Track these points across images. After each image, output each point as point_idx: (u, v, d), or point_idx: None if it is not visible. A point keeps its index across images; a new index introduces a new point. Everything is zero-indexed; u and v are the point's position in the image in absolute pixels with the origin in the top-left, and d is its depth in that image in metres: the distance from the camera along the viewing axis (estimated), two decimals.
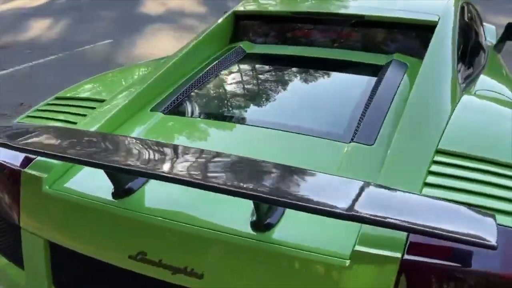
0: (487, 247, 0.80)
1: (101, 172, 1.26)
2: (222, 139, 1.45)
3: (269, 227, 1.05)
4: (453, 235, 0.81)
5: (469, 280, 0.94)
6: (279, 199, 0.88)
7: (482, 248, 0.81)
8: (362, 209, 0.86)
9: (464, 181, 1.13)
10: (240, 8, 2.35)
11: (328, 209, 0.85)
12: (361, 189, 0.92)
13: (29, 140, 1.13)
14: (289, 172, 1.00)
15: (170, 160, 1.05)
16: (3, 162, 1.37)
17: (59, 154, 1.05)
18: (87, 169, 1.31)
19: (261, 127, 1.45)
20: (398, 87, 1.64)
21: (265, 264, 1.02)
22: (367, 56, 1.99)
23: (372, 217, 0.84)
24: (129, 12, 8.89)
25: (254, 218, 1.06)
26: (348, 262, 0.97)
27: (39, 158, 1.32)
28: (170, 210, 1.13)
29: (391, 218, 0.84)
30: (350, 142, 1.34)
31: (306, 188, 0.97)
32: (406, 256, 0.95)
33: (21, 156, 1.36)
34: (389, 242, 0.97)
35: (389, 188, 0.96)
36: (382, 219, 0.83)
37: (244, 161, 1.04)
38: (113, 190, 1.19)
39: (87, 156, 1.03)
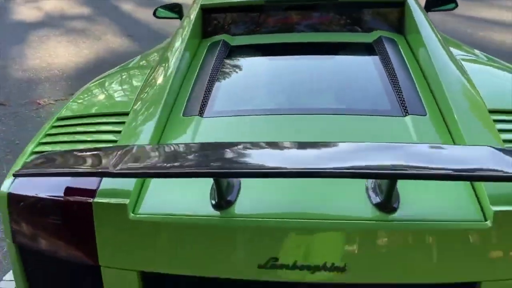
0: None
1: (185, 188, 1.18)
2: (282, 131, 1.40)
3: (393, 206, 1.07)
4: None
5: None
6: (419, 172, 0.90)
7: None
8: (491, 169, 0.91)
9: None
10: (206, 1, 2.28)
11: (469, 174, 0.89)
12: (472, 152, 0.98)
13: (124, 165, 1.00)
14: (392, 147, 1.01)
15: (271, 156, 1.01)
16: (52, 198, 1.18)
17: (168, 171, 0.95)
18: (165, 188, 1.19)
19: (309, 114, 1.44)
20: (405, 60, 1.75)
21: (403, 243, 1.05)
22: (352, 36, 2.07)
23: (506, 175, 0.89)
24: (1, 23, 7.96)
25: (377, 199, 1.07)
26: (489, 223, 1.03)
27: (104, 184, 1.17)
28: (284, 209, 1.09)
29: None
30: (406, 115, 1.41)
31: (424, 159, 0.99)
32: None
33: (62, 187, 1.19)
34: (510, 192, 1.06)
35: (494, 147, 1.04)
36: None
37: (344, 145, 1.03)
38: (214, 202, 1.10)
39: (194, 167, 0.95)
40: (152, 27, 7.29)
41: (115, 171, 0.98)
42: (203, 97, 1.57)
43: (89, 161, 1.06)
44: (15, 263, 1.27)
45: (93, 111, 1.56)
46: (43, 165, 1.06)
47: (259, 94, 1.61)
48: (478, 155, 0.96)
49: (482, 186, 1.09)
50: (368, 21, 2.18)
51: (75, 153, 1.13)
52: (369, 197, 1.10)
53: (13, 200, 1.23)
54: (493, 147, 0.99)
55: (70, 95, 4.60)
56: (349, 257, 1.05)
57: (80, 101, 1.69)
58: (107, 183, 1.18)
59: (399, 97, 1.50)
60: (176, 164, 0.98)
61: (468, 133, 1.27)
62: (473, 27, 6.36)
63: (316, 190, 1.14)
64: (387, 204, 1.07)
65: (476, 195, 1.10)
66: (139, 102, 1.54)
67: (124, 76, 1.91)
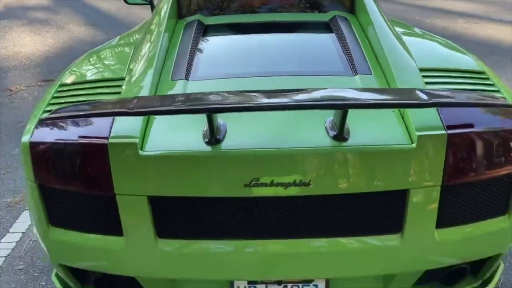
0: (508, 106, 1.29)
1: (181, 128, 1.47)
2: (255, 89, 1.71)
3: (344, 136, 1.40)
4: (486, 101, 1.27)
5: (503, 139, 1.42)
6: (364, 103, 1.23)
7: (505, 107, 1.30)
8: (434, 98, 1.25)
9: (449, 85, 1.64)
10: None
11: (413, 102, 1.23)
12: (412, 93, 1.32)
13: (137, 106, 1.28)
14: (344, 89, 1.35)
15: (249, 98, 1.31)
16: (69, 141, 1.44)
17: (171, 109, 1.24)
18: (165, 129, 1.47)
19: (276, 75, 1.75)
20: (355, 34, 2.09)
21: (352, 163, 1.38)
22: (311, 16, 2.40)
23: (448, 101, 1.24)
24: None
25: (333, 132, 1.40)
26: (414, 145, 1.38)
27: (114, 129, 1.44)
28: (262, 141, 1.40)
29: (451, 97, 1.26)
30: (355, 75, 1.75)
31: (367, 95, 1.32)
32: (449, 131, 1.40)
33: (77, 133, 1.46)
34: (433, 123, 1.41)
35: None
36: (450, 101, 1.25)
37: (309, 90, 1.35)
38: (207, 139, 1.40)
39: (192, 105, 1.24)
40: (114, 16, 7.42)
41: (131, 111, 1.26)
42: (187, 66, 1.85)
43: (106, 107, 1.33)
44: (37, 200, 1.52)
45: (91, 78, 1.82)
46: (65, 112, 1.33)
47: (233, 62, 1.91)
48: (405, 92, 1.31)
49: (409, 117, 1.44)
50: (324, 4, 2.52)
51: (91, 103, 1.40)
52: (326, 130, 1.43)
53: (35, 147, 1.48)
54: (416, 88, 1.34)
55: (42, 81, 4.74)
56: (312, 175, 1.37)
57: (78, 70, 1.94)
58: (117, 127, 1.45)
59: (349, 62, 1.84)
60: (177, 104, 1.27)
61: (403, 85, 1.62)
62: (421, 15, 6.87)
63: (287, 126, 1.46)
64: (340, 134, 1.39)
65: (405, 125, 1.45)
66: (132, 70, 1.81)
67: (111, 51, 2.17)
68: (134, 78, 1.75)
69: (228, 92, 1.35)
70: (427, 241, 1.45)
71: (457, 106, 1.26)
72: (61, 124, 1.53)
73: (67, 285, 1.78)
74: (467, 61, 1.89)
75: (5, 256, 2.33)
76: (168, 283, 1.56)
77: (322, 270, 1.48)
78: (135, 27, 3.25)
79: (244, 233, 1.45)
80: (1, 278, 2.20)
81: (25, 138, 1.51)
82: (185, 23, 2.32)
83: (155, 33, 2.08)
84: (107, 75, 1.84)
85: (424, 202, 1.42)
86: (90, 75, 1.87)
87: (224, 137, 1.42)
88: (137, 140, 1.40)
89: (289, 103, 1.23)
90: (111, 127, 1.46)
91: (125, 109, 1.26)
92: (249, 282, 1.52)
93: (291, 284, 1.52)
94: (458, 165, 1.41)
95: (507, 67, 4.76)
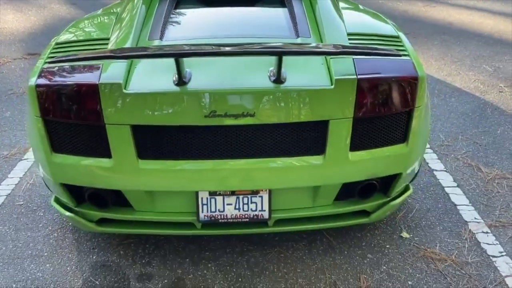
0: (397, 55, 1.76)
1: (154, 72, 1.89)
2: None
3: (281, 79, 1.84)
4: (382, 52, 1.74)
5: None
6: (297, 50, 1.69)
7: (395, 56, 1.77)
8: (343, 48, 1.71)
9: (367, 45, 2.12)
10: None
11: (326, 50, 1.69)
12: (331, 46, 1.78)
13: (120, 52, 1.70)
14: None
15: (213, 47, 1.74)
16: (67, 83, 1.86)
17: (150, 53, 1.67)
18: (142, 73, 1.90)
19: (232, 38, 2.19)
20: (302, 5, 2.53)
21: (286, 100, 1.83)
22: None
23: (357, 50, 1.71)
24: None
25: (273, 77, 1.85)
26: (332, 87, 1.84)
27: (103, 73, 1.86)
28: (218, 81, 1.84)
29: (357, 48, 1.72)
30: (297, 38, 2.19)
31: (299, 47, 1.78)
32: (359, 76, 1.86)
33: (74, 77, 1.88)
34: (348, 71, 1.87)
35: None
36: (352, 50, 1.71)
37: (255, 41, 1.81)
38: (177, 79, 1.83)
39: (163, 51, 1.68)
40: None
41: (116, 55, 1.68)
42: (161, 29, 2.27)
43: (97, 54, 1.75)
44: (41, 131, 1.93)
45: (82, 38, 2.22)
46: (65, 58, 1.74)
47: (199, 28, 2.34)
48: (324, 46, 1.76)
49: (331, 65, 1.90)
50: None
51: (85, 52, 1.81)
52: (269, 76, 1.88)
53: (40, 88, 1.89)
54: (332, 44, 1.80)
55: (27, 55, 5.06)
56: (256, 109, 1.82)
57: (70, 32, 2.34)
58: (105, 73, 1.87)
59: (294, 27, 2.29)
60: (150, 51, 1.70)
61: (328, 41, 2.08)
62: None
63: (238, 72, 1.90)
64: (278, 78, 1.84)
65: (328, 72, 1.91)
66: (116, 32, 2.22)
67: (97, 18, 2.57)
68: (118, 38, 2.16)
69: (192, 44, 1.79)
70: (343, 161, 1.93)
71: (356, 54, 1.72)
72: (59, 71, 1.94)
73: (64, 206, 2.21)
74: (388, 28, 2.36)
75: (5, 195, 2.73)
76: (147, 195, 2.00)
77: (264, 182, 1.94)
78: (115, 1, 3.63)
79: (205, 154, 1.90)
80: (4, 211, 2.60)
81: (31, 82, 1.91)
82: None
83: (133, 4, 2.49)
84: (95, 35, 2.24)
85: (340, 130, 1.89)
86: (80, 36, 2.27)
87: (189, 80, 1.86)
88: (121, 81, 1.82)
89: (237, 50, 1.67)
90: (100, 73, 1.88)
91: (112, 53, 1.68)
92: (210, 194, 1.98)
93: (242, 196, 1.98)
94: (365, 102, 1.87)
95: (453, 45, 5.29)
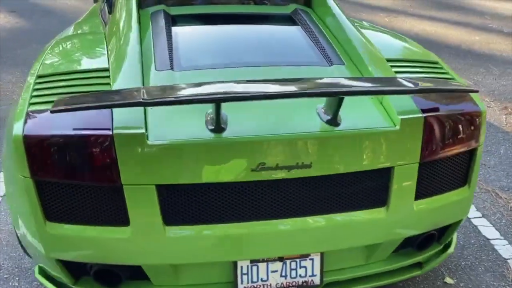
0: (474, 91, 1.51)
1: (182, 117, 1.52)
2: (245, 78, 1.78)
3: (337, 121, 1.53)
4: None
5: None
6: (359, 90, 1.38)
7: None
8: (419, 85, 1.43)
9: (414, 74, 1.85)
10: None
11: (402, 88, 1.39)
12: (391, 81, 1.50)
13: (150, 97, 1.31)
14: (335, 79, 1.50)
15: (254, 87, 1.40)
16: (68, 133, 1.43)
17: (190, 99, 1.29)
18: (166, 118, 1.51)
19: (258, 66, 1.84)
20: (319, 26, 2.24)
21: (346, 146, 1.52)
22: (273, 8, 2.51)
23: (432, 88, 1.43)
24: None
25: (326, 117, 1.53)
26: (398, 127, 1.55)
27: (115, 119, 1.45)
28: (265, 128, 1.49)
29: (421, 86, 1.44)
30: (331, 65, 1.89)
31: (368, 82, 1.48)
32: (425, 114, 1.58)
33: (75, 124, 1.45)
34: (410, 107, 1.59)
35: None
36: (434, 87, 1.43)
37: (303, 79, 1.48)
38: (212, 126, 1.46)
39: (208, 95, 1.31)
40: (32, 2, 6.99)
41: (148, 101, 1.29)
42: (169, 56, 1.88)
43: (117, 97, 1.34)
44: (31, 196, 1.47)
45: (72, 69, 1.78)
46: (77, 102, 1.32)
47: (213, 53, 1.96)
48: (391, 81, 1.47)
49: (388, 102, 1.61)
50: None
51: (94, 94, 1.40)
52: (319, 116, 1.55)
53: (29, 140, 1.44)
54: (395, 77, 1.52)
55: None
56: (313, 158, 1.49)
57: (52, 60, 1.88)
58: (118, 118, 1.46)
59: (322, 53, 1.98)
60: (192, 93, 1.32)
61: (378, 74, 1.79)
62: (347, 9, 7.26)
63: (282, 113, 1.56)
64: (334, 120, 1.53)
65: (385, 110, 1.62)
66: (114, 61, 1.80)
67: (78, 41, 2.12)
68: (119, 69, 1.75)
69: (237, 81, 1.43)
70: (408, 212, 1.64)
71: (439, 92, 1.45)
72: (53, 116, 1.50)
73: (55, 281, 1.75)
74: (423, 52, 2.12)
75: None
76: (171, 268, 1.60)
77: (318, 244, 1.61)
78: (84, 15, 3.15)
79: (248, 215, 1.53)
80: None
81: (17, 131, 1.46)
82: (149, 13, 2.32)
83: (125, 23, 2.07)
84: (87, 65, 1.81)
85: (405, 177, 1.60)
86: (68, 66, 1.82)
87: (226, 125, 1.49)
88: (144, 130, 1.43)
89: (298, 92, 1.34)
90: (112, 118, 1.47)
91: (140, 99, 1.28)
92: (252, 261, 1.62)
93: (289, 260, 1.64)
94: (431, 144, 1.60)
95: None
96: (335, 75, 1.84)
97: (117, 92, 1.40)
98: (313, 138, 1.49)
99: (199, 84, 1.41)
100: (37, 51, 5.08)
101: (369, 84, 1.42)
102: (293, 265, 1.66)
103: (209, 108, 1.54)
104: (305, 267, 1.66)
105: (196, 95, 1.31)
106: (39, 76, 1.74)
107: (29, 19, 6.11)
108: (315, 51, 2.00)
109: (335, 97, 1.47)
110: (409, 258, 1.83)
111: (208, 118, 1.50)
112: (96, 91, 1.62)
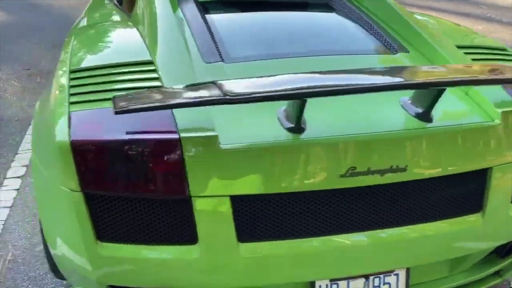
0: None
1: (255, 117, 1.30)
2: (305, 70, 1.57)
3: (430, 115, 1.34)
4: None
5: None
6: (465, 79, 1.19)
7: None
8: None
9: (491, 60, 1.66)
10: None
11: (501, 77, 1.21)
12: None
13: (233, 93, 1.09)
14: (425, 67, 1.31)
15: (337, 79, 1.20)
16: (126, 138, 1.20)
17: (276, 94, 1.09)
18: (239, 119, 1.29)
19: (319, 55, 1.63)
20: (365, 12, 2.03)
21: (443, 144, 1.32)
22: None
23: None
24: None
25: (421, 111, 1.33)
26: (498, 121, 1.36)
27: (179, 121, 1.22)
28: (352, 126, 1.28)
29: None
30: (396, 53, 1.69)
31: (457, 72, 1.28)
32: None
33: (131, 127, 1.22)
34: (506, 99, 1.40)
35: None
36: None
37: (388, 67, 1.29)
38: (293, 123, 1.24)
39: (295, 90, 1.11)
40: None
41: (233, 98, 1.07)
42: (215, 47, 1.65)
43: (191, 94, 1.12)
44: (80, 212, 1.24)
45: (109, 62, 1.53)
46: (145, 101, 1.09)
47: (262, 42, 1.74)
48: (489, 69, 1.28)
49: (479, 94, 1.42)
50: None
51: (164, 90, 1.17)
52: (407, 111, 1.35)
53: (79, 147, 1.20)
54: (498, 65, 1.33)
55: None
56: (408, 160, 1.29)
57: (83, 53, 1.63)
58: (182, 119, 1.24)
59: (383, 40, 1.78)
60: (276, 88, 1.11)
61: (455, 62, 1.60)
62: None
63: (366, 109, 1.36)
64: (427, 115, 1.33)
65: (478, 104, 1.43)
66: (158, 53, 1.56)
67: (104, 30, 1.88)
68: (165, 61, 1.52)
69: (321, 73, 1.22)
70: (504, 217, 1.46)
71: None
72: (102, 117, 1.27)
73: None
74: (485, 38, 1.95)
75: None
76: None
77: (406, 259, 1.42)
78: (90, 2, 2.88)
79: (332, 227, 1.32)
80: None
81: (61, 136, 1.22)
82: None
83: (158, 11, 1.83)
84: (126, 58, 1.56)
85: (503, 178, 1.41)
86: (103, 59, 1.57)
87: (305, 124, 1.28)
88: (217, 133, 1.20)
89: (397, 83, 1.14)
90: (174, 120, 1.24)
91: (224, 96, 1.07)
92: (331, 280, 1.41)
93: (373, 277, 1.44)
94: None
95: None
96: (406, 64, 1.65)
97: (188, 88, 1.17)
98: (409, 136, 1.29)
99: (280, 77, 1.19)
100: (26, 47, 4.74)
101: (476, 74, 1.23)
102: (376, 282, 1.45)
103: (280, 105, 1.33)
104: (389, 283, 1.46)
105: (292, 89, 1.09)
106: (73, 71, 1.49)
107: (15, 14, 5.73)
108: (372, 39, 1.80)
109: (436, 88, 1.28)
110: (492, 266, 1.65)
111: (284, 117, 1.28)
112: (155, 87, 1.39)
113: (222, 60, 1.57)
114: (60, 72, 1.52)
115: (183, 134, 1.19)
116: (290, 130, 1.25)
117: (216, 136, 1.20)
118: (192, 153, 1.20)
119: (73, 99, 1.35)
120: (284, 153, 1.23)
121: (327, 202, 1.29)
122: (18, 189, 2.49)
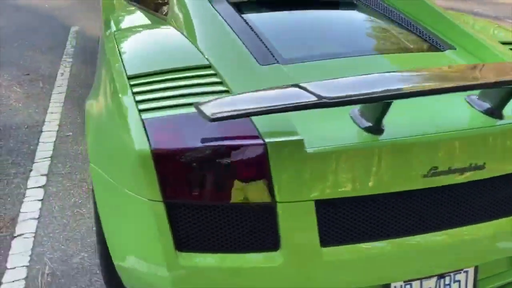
0: None
1: (334, 120, 1.29)
2: (361, 70, 1.54)
3: (502, 112, 1.35)
4: None
5: None
6: None
7: None
8: None
9: None
10: None
11: None
12: None
13: (333, 95, 1.08)
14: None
15: (418, 80, 1.21)
16: (209, 144, 1.16)
17: (374, 96, 1.09)
18: (317, 122, 1.27)
19: (369, 55, 1.63)
20: (398, 12, 2.04)
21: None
22: None
23: None
24: None
25: (491, 108, 1.33)
26: None
27: (261, 126, 1.20)
28: (430, 125, 1.27)
29: None
30: (445, 50, 1.70)
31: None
32: None
33: (211, 133, 1.20)
34: None
35: None
36: None
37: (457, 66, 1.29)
38: (373, 124, 1.23)
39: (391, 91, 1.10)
40: None
41: (331, 101, 1.05)
42: (267, 48, 1.62)
43: (280, 98, 1.10)
44: (162, 222, 1.19)
45: (168, 66, 1.49)
46: (236, 107, 1.06)
47: (311, 41, 1.72)
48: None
49: None
50: None
51: (248, 94, 1.14)
52: (477, 109, 1.36)
53: (161, 156, 1.16)
54: None
55: None
56: (485, 157, 1.30)
57: (134, 58, 1.58)
58: (261, 124, 1.21)
59: (428, 38, 1.79)
60: (371, 89, 1.10)
61: (505, 57, 1.62)
62: None
63: (435, 108, 1.36)
64: (497, 112, 1.34)
65: None
66: (215, 57, 1.53)
67: (147, 33, 1.83)
68: (224, 65, 1.49)
69: (406, 72, 1.22)
70: None
71: None
72: (178, 124, 1.23)
73: None
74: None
75: None
76: None
77: (477, 256, 1.42)
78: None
79: (412, 228, 1.32)
80: None
81: (140, 145, 1.18)
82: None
83: (200, 12, 1.79)
84: (182, 62, 1.52)
85: None
86: (159, 64, 1.52)
87: (387, 124, 1.27)
88: (302, 137, 1.18)
89: (489, 82, 1.15)
90: (254, 125, 1.21)
91: (321, 99, 1.05)
92: (405, 281, 1.41)
93: (444, 275, 1.44)
94: None
95: None
96: (456, 60, 1.65)
97: (273, 91, 1.15)
98: (485, 134, 1.30)
99: (366, 77, 1.18)
100: (20, 50, 4.60)
101: None
102: (447, 280, 1.46)
103: (353, 106, 1.32)
104: (459, 281, 1.47)
105: (390, 91, 1.09)
106: (131, 78, 1.45)
107: (1, 16, 5.58)
108: (416, 37, 1.81)
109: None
110: None
111: (362, 117, 1.27)
112: (223, 91, 1.36)
113: (277, 62, 1.54)
114: (116, 78, 1.47)
115: (268, 139, 1.17)
116: (370, 131, 1.24)
117: (301, 140, 1.18)
118: (278, 158, 1.17)
119: (142, 106, 1.31)
120: (368, 154, 1.22)
121: (408, 203, 1.29)
122: (42, 200, 2.41)
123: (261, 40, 1.67)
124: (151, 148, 1.17)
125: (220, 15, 1.82)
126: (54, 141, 2.95)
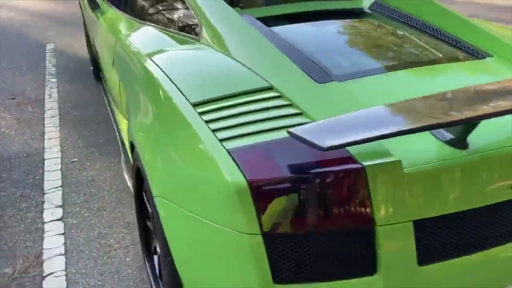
0: None
1: (420, 138, 1.28)
2: (421, 83, 1.55)
3: None
4: None
5: None
6: None
7: None
8: None
9: None
10: None
11: None
12: None
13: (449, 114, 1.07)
14: None
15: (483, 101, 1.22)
16: (309, 173, 1.13)
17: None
18: (395, 138, 1.25)
19: (414, 67, 1.64)
20: (424, 21, 2.07)
21: None
22: (348, 3, 2.31)
23: None
24: None
25: None
26: None
27: (354, 151, 1.17)
28: (498, 134, 1.29)
29: None
30: (483, 58, 1.73)
31: None
32: None
33: (301, 157, 1.16)
34: None
35: None
36: None
37: None
38: (457, 141, 1.23)
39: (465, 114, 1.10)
40: None
41: (446, 122, 1.04)
42: (317, 65, 1.60)
43: (396, 119, 1.08)
44: (259, 256, 1.14)
45: (230, 91, 1.43)
46: (347, 133, 1.03)
47: (356, 55, 1.71)
48: None
49: None
50: None
51: (342, 117, 1.12)
52: None
53: (260, 188, 1.11)
54: None
55: None
56: None
57: (188, 84, 1.51)
58: (354, 147, 1.18)
59: (463, 45, 1.82)
60: (451, 113, 1.10)
61: None
62: None
63: (505, 119, 1.37)
64: None
65: None
66: (271, 77, 1.49)
67: (190, 55, 1.76)
68: (286, 85, 1.46)
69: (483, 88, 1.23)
70: None
71: None
72: (269, 153, 1.19)
73: None
74: None
75: None
76: None
77: None
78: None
79: (502, 238, 1.32)
80: None
81: (234, 177, 1.13)
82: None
83: (242, 30, 1.75)
84: (241, 86, 1.46)
85: None
86: (219, 89, 1.46)
87: (470, 139, 1.27)
88: (399, 158, 1.16)
89: None
90: (346, 149, 1.19)
91: (439, 120, 1.04)
92: None
93: None
94: None
95: None
96: (498, 67, 1.69)
97: (366, 114, 1.13)
98: None
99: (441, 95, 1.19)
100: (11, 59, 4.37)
101: None
102: None
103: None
104: None
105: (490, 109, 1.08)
106: (196, 105, 1.39)
107: None
108: (452, 46, 1.84)
109: None
110: None
111: (445, 133, 1.27)
112: (298, 114, 1.32)
113: (332, 79, 1.52)
114: (178, 106, 1.40)
115: (366, 163, 1.15)
116: (457, 146, 1.24)
117: (399, 161, 1.16)
118: (377, 181, 1.15)
119: (220, 135, 1.25)
120: (459, 170, 1.21)
121: (498, 214, 1.29)
122: (63, 233, 2.28)
123: (307, 57, 1.65)
124: (247, 179, 1.12)
125: (261, 33, 1.79)
126: (61, 169, 2.81)
